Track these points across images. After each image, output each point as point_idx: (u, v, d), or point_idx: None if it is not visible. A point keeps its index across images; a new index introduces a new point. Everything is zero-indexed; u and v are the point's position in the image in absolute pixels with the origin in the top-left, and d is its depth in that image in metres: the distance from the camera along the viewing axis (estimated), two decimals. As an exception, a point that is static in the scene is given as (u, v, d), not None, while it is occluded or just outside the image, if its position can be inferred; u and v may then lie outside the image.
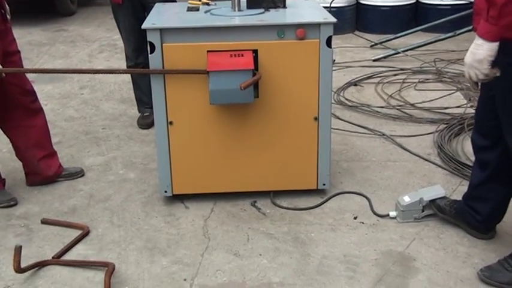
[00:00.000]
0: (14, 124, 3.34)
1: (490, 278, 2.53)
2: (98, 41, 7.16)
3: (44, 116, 3.46)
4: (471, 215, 2.81)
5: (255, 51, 2.94)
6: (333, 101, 4.65)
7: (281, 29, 2.93)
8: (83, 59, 6.38)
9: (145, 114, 4.34)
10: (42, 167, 3.41)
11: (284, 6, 3.24)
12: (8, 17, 3.21)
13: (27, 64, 6.05)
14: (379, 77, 5.34)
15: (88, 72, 3.19)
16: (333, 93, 4.80)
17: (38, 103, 3.43)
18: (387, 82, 5.19)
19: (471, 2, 6.72)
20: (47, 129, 3.49)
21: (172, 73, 2.94)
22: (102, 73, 3.18)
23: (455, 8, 6.58)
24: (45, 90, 5.21)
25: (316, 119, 3.09)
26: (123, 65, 6.04)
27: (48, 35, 7.53)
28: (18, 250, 2.47)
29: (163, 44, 2.92)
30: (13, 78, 3.20)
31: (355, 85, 5.15)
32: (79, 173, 3.55)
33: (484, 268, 2.58)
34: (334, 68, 5.59)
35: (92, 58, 6.38)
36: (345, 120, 4.34)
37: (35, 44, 6.99)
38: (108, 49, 6.72)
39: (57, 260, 2.70)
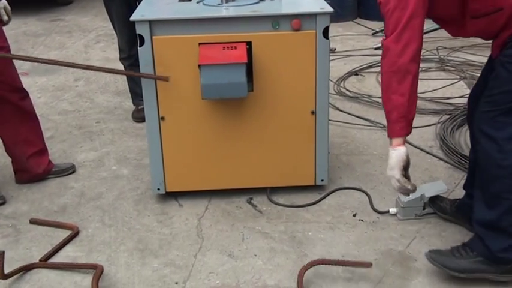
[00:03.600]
0: (2, 120, 3.24)
1: (435, 259, 2.46)
2: (94, 31, 7.04)
3: (34, 113, 3.35)
4: (470, 207, 2.70)
5: (249, 43, 2.82)
6: (332, 92, 4.53)
7: (276, 20, 2.81)
8: (79, 49, 6.27)
9: (140, 107, 4.22)
10: (32, 164, 3.32)
11: (279, -4, 3.11)
12: (6, 18, 3.10)
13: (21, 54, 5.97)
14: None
15: (73, 66, 3.07)
16: (332, 83, 4.69)
17: (28, 100, 3.31)
18: (389, 71, 5.06)
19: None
20: (38, 126, 3.39)
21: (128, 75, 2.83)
22: (79, 67, 3.06)
23: (458, -6, 6.42)
24: (39, 83, 5.11)
25: (313, 112, 2.97)
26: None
27: (44, 25, 7.40)
28: (1, 255, 2.37)
29: (153, 37, 2.81)
30: (0, 76, 3.09)
31: (356, 74, 5.03)
32: (70, 169, 3.45)
33: (433, 250, 2.52)
34: (334, 57, 5.49)
35: (88, 49, 6.27)
36: (345, 112, 4.22)
37: (31, 35, 6.87)
38: (105, 39, 6.60)
39: (44, 263, 2.60)
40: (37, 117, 3.38)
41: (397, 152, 2.28)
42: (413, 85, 2.23)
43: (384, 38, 2.26)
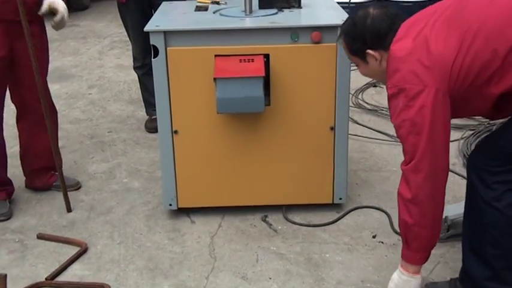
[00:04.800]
0: (25, 126, 3.23)
1: None
2: (109, 37, 6.98)
3: (56, 131, 3.30)
4: None
5: (267, 56, 2.71)
6: (351, 104, 4.40)
7: (295, 32, 2.70)
8: (93, 56, 6.20)
9: (153, 117, 4.13)
10: (32, 177, 3.30)
11: (299, 6, 3.00)
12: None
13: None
14: (400, 77, 5.07)
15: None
16: (351, 95, 4.56)
17: (52, 116, 3.25)
18: (409, 83, 4.92)
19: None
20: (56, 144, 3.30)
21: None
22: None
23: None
24: (52, 90, 4.98)
25: (332, 128, 2.86)
26: (133, 63, 5.89)
27: (60, 30, 7.33)
28: (3, 280, 2.27)
29: (168, 48, 2.71)
30: (33, 87, 3.03)
31: (375, 86, 4.90)
32: (73, 187, 3.30)
33: (430, 284, 2.41)
34: (352, 68, 5.34)
35: (102, 55, 6.20)
36: (363, 125, 4.10)
37: (45, 40, 6.80)
38: (120, 46, 6.54)
39: (49, 282, 2.50)
40: (57, 132, 3.33)
41: (416, 281, 2.17)
42: (437, 215, 2.09)
43: (403, 163, 2.06)
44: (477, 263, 2.21)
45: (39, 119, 3.17)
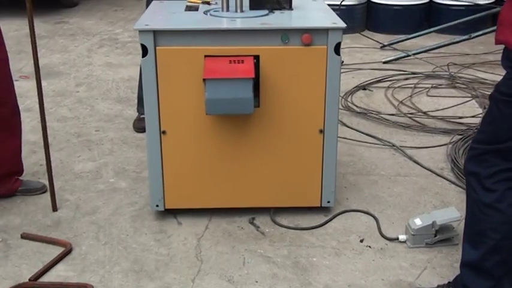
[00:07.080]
0: None
1: None
2: (98, 34, 6.91)
3: (19, 131, 3.17)
4: None
5: (257, 57, 2.69)
6: (340, 107, 4.39)
7: (285, 34, 2.68)
8: (82, 53, 6.14)
9: (141, 117, 4.09)
10: None
11: (290, 8, 2.98)
12: None
13: (23, 57, 5.85)
14: (390, 80, 5.08)
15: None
16: (340, 98, 4.56)
17: (16, 119, 3.13)
18: (398, 87, 4.94)
19: (487, 4, 6.46)
20: (19, 145, 3.19)
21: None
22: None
23: (470, 9, 6.30)
24: (39, 87, 4.98)
25: (321, 131, 2.84)
26: (122, 61, 5.85)
27: (48, 27, 7.28)
28: None
29: (157, 47, 2.68)
30: None
31: (364, 89, 4.90)
32: (39, 190, 3.19)
33: None
34: (342, 70, 5.34)
35: (91, 53, 6.14)
36: (352, 128, 4.09)
37: (33, 37, 6.73)
38: (109, 44, 6.48)
39: (33, 282, 2.47)
40: (21, 140, 3.20)
41: None
42: None
43: None
44: (476, 277, 2.20)
45: (3, 122, 3.03)
